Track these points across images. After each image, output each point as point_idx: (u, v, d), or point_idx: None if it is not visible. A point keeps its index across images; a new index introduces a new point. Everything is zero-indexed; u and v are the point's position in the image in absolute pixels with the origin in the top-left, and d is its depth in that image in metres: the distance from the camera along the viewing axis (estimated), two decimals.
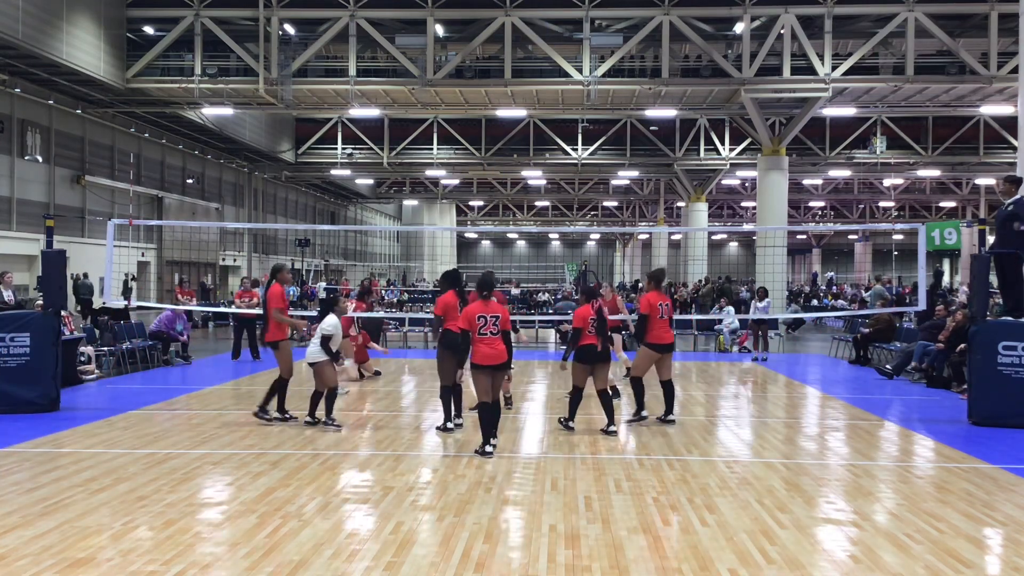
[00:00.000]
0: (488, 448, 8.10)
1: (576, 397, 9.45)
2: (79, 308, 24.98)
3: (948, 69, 26.28)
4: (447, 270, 9.91)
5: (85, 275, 26.30)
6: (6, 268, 16.26)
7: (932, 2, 25.45)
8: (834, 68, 25.92)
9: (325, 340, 9.28)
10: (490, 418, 8.22)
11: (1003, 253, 10.42)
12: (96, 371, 13.89)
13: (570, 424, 9.48)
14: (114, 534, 5.59)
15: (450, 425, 9.34)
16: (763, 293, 17.59)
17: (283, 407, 9.80)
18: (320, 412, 9.52)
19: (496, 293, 8.54)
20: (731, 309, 20.77)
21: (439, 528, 5.82)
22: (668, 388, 9.92)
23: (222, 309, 23.66)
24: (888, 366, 14.79)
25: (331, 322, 9.39)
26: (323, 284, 33.17)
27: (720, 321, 20.02)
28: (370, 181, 50.50)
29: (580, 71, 26.31)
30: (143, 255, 33.71)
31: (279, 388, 9.72)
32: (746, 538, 5.63)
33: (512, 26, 25.71)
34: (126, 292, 26.23)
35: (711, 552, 5.35)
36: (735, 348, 19.54)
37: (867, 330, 17.13)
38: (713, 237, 69.49)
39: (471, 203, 62.43)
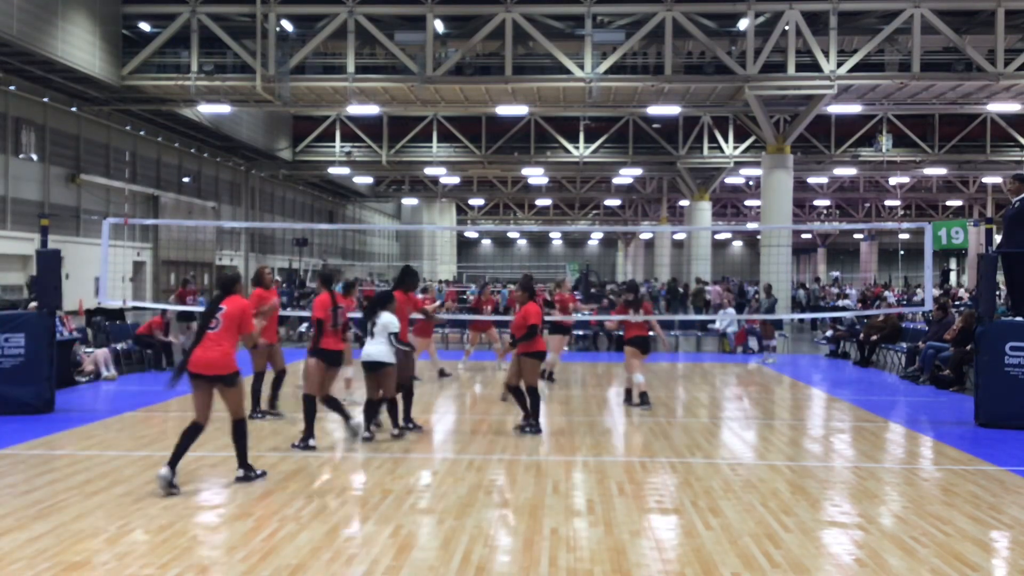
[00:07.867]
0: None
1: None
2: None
3: (955, 66, 26.12)
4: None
5: (67, 275, 26.04)
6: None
7: None
8: (839, 65, 25.76)
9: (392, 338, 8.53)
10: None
11: (1010, 252, 10.33)
12: (115, 372, 13.70)
13: None
14: (109, 537, 5.54)
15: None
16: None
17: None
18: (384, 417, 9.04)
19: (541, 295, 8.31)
20: (731, 311, 20.63)
21: (439, 531, 5.76)
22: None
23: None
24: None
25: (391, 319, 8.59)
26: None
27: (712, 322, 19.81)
28: (369, 179, 50.37)
29: (582, 68, 26.18)
30: (139, 255, 33.61)
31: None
32: (750, 542, 5.57)
33: (513, 22, 25.58)
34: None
35: (715, 556, 5.29)
36: (740, 349, 19.39)
37: (874, 336, 16.89)
38: (717, 236, 69.33)
39: (471, 202, 62.24)
